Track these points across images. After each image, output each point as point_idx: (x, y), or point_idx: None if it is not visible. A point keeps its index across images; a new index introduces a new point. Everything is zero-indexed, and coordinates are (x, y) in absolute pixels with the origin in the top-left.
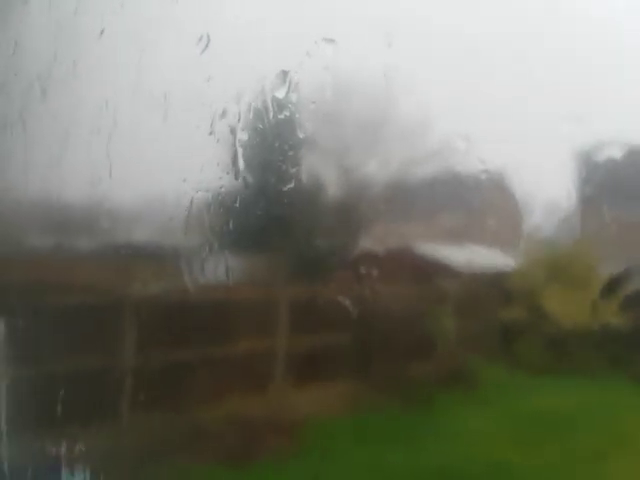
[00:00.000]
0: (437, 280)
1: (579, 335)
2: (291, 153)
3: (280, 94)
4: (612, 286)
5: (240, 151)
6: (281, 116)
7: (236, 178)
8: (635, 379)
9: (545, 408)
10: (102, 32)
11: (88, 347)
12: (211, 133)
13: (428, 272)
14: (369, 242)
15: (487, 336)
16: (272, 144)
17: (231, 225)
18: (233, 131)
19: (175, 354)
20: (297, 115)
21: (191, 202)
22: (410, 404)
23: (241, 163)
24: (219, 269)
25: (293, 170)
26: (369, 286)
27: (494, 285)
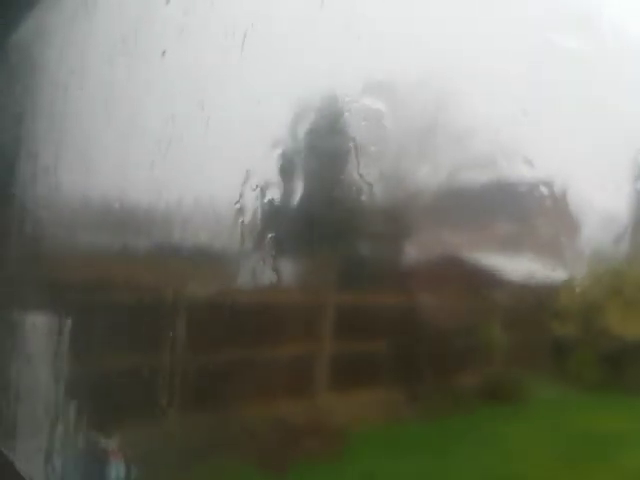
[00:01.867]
0: (487, 290)
1: (635, 354)
2: (340, 159)
3: (330, 101)
4: None
5: (290, 157)
6: (334, 123)
7: (286, 183)
8: None
9: (596, 427)
10: (164, 53)
11: (139, 346)
12: (262, 139)
13: (478, 282)
14: (418, 250)
15: (538, 350)
16: (322, 150)
17: (280, 229)
18: (284, 137)
19: (221, 355)
20: (347, 122)
21: (242, 206)
22: (454, 417)
23: (291, 168)
24: (267, 272)
25: (342, 176)
26: (417, 294)
27: (547, 298)
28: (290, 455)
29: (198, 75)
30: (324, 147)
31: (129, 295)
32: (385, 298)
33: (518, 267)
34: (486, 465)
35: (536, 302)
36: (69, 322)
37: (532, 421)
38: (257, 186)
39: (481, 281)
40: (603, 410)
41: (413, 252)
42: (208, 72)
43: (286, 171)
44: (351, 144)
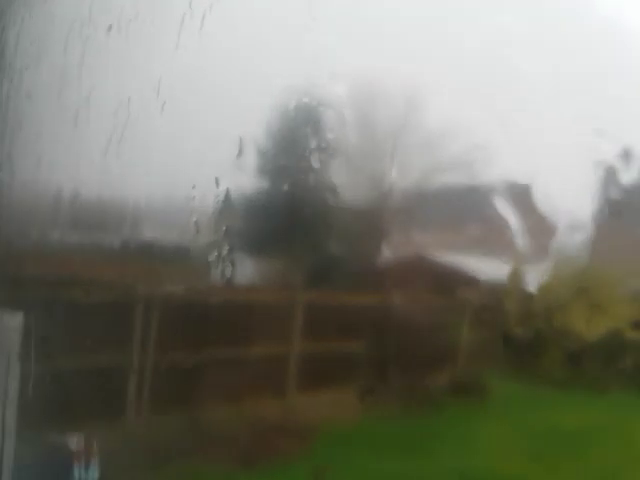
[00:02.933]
0: (456, 290)
1: (599, 352)
2: (311, 158)
3: (304, 99)
4: None
5: (261, 154)
6: (303, 121)
7: (257, 181)
8: None
9: (561, 424)
10: (119, 33)
11: (104, 344)
12: (232, 135)
13: (447, 282)
14: (388, 249)
15: (505, 349)
16: (293, 148)
17: (250, 227)
18: (255, 134)
19: (190, 355)
20: (319, 120)
21: (211, 204)
22: (423, 414)
23: (262, 166)
24: (236, 271)
25: (313, 175)
26: (387, 294)
27: (514, 297)
28: (261, 454)
29: (154, 58)
30: (295, 145)
31: (94, 293)
32: (355, 297)
33: (486, 268)
34: (457, 462)
35: (504, 302)
36: (27, 320)
37: (501, 418)
38: (226, 182)
39: (450, 281)
40: (568, 407)
41: (383, 252)
42: (164, 55)
43: (257, 169)
44: (323, 143)
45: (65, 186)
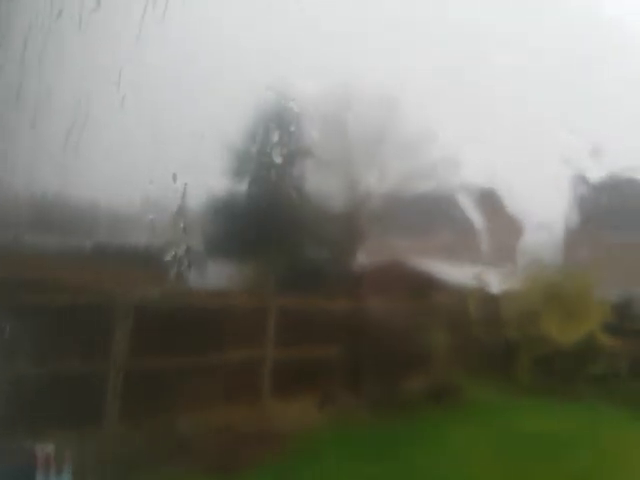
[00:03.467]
0: (430, 295)
1: (571, 358)
2: (289, 162)
3: (281, 104)
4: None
5: (238, 159)
6: (281, 125)
7: (234, 185)
8: (621, 403)
9: (532, 428)
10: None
11: (75, 349)
12: (208, 140)
13: (421, 287)
14: (363, 254)
15: (479, 354)
16: (270, 153)
17: (225, 232)
18: (231, 139)
19: (163, 360)
20: (298, 125)
21: (186, 209)
22: (397, 418)
23: (239, 171)
24: (210, 276)
25: (290, 180)
26: (361, 298)
27: (488, 303)
28: (236, 460)
29: (115, 51)
30: (272, 149)
31: (63, 297)
32: (329, 302)
33: (460, 273)
34: (431, 466)
35: (477, 307)
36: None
37: (474, 423)
38: (202, 187)
39: (424, 286)
40: (540, 412)
41: (358, 256)
42: (126, 48)
43: (233, 173)
44: (301, 147)
45: (25, 186)
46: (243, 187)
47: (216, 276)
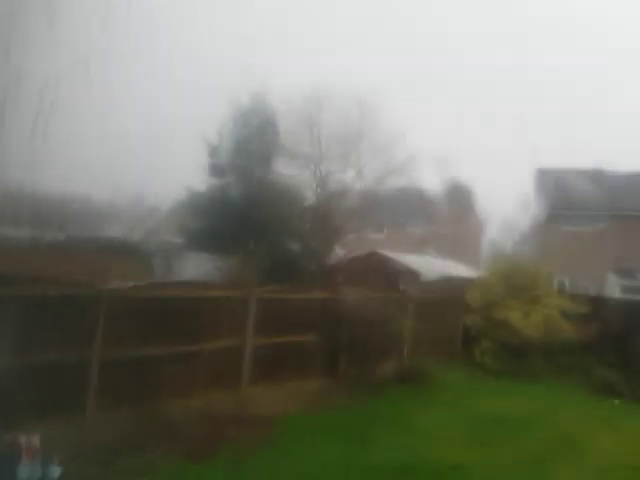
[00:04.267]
0: (401, 285)
1: (534, 344)
2: (266, 159)
3: (261, 102)
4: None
5: (218, 155)
6: (260, 123)
7: (213, 181)
8: (584, 386)
9: (498, 411)
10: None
11: (58, 339)
12: (189, 136)
13: (393, 277)
14: (338, 246)
15: (447, 340)
16: (250, 150)
17: (205, 225)
18: (212, 135)
19: (145, 349)
20: (276, 123)
21: (167, 202)
22: (368, 401)
23: (219, 167)
24: (191, 267)
25: (269, 176)
26: (337, 288)
27: (454, 292)
28: (217, 445)
29: (84, 34)
30: (252, 147)
31: (46, 288)
32: (307, 293)
33: (430, 264)
34: (403, 447)
35: (445, 296)
36: None
37: (441, 405)
38: (182, 181)
39: (396, 276)
40: (505, 395)
41: (333, 249)
42: (94, 36)
43: (213, 169)
44: (279, 145)
45: (24, 183)
46: (221, 182)
47: (197, 268)
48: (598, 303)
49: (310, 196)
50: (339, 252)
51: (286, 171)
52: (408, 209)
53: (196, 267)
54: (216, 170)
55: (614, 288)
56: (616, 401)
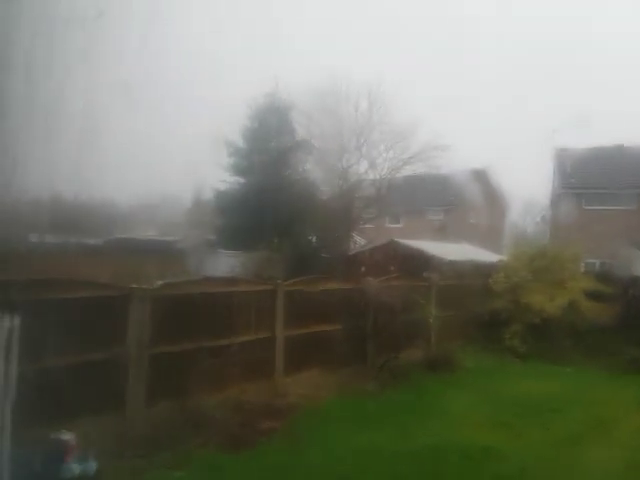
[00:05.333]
0: (424, 273)
1: (560, 326)
2: (286, 156)
3: (279, 101)
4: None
5: (238, 155)
6: (277, 120)
7: (234, 179)
8: (612, 366)
9: (526, 393)
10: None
11: (95, 339)
12: (210, 136)
13: (416, 265)
14: (360, 237)
15: (471, 324)
16: (269, 147)
17: (230, 223)
18: (231, 136)
19: (180, 345)
20: (292, 119)
21: (194, 203)
22: (399, 388)
23: (240, 166)
24: (220, 265)
25: (287, 172)
26: (360, 278)
27: (477, 277)
28: (252, 435)
29: (120, 58)
30: (271, 144)
31: (82, 291)
32: (332, 283)
33: (452, 251)
34: (432, 432)
35: (468, 281)
36: (19, 321)
37: (471, 389)
38: (207, 181)
39: (419, 264)
40: (533, 378)
41: (356, 240)
42: (129, 54)
43: (235, 167)
44: (297, 140)
45: (43, 188)
46: (245, 181)
47: (226, 265)
48: (626, 282)
49: (329, 189)
50: (360, 242)
51: (304, 166)
52: (427, 196)
53: (224, 264)
54: (238, 169)
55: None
56: None
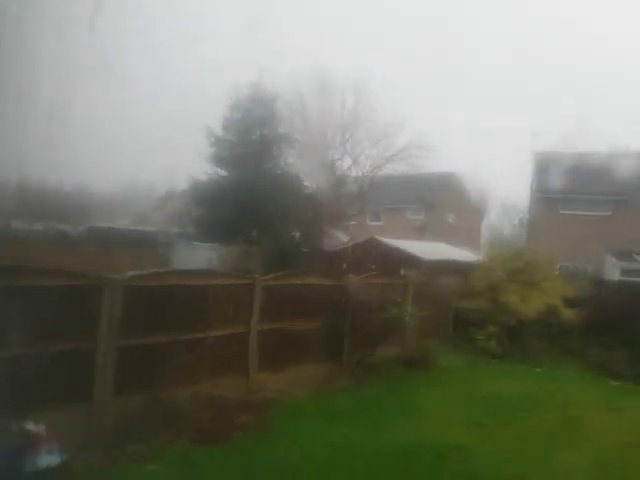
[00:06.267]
0: (401, 271)
1: (533, 327)
2: (267, 148)
3: (262, 92)
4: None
5: (218, 145)
6: (260, 112)
7: (215, 170)
8: (584, 369)
9: (499, 393)
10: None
11: (68, 329)
12: (192, 127)
13: (395, 263)
14: (340, 234)
15: (447, 323)
16: (251, 140)
17: (208, 215)
18: (212, 126)
19: (152, 337)
20: (276, 112)
21: (171, 193)
22: (375, 386)
23: (220, 157)
24: (196, 257)
25: (270, 164)
26: (339, 275)
27: (454, 277)
28: (224, 429)
29: (96, 38)
30: (253, 136)
31: (54, 279)
32: (312, 279)
33: (430, 250)
34: (407, 431)
35: (444, 281)
36: None
37: (445, 388)
38: (186, 172)
39: (396, 262)
40: (505, 378)
41: (335, 236)
42: (106, 36)
43: (215, 159)
44: (280, 133)
45: (13, 174)
46: (225, 173)
47: (202, 257)
48: (598, 285)
49: (310, 184)
50: (340, 239)
51: (287, 160)
52: (407, 195)
53: (201, 256)
54: (218, 160)
55: (614, 271)
56: (616, 383)
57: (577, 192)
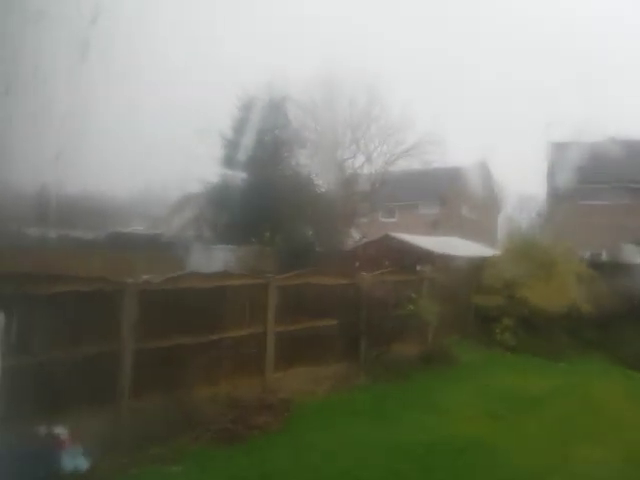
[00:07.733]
0: (418, 267)
1: (554, 320)
2: (281, 149)
3: (273, 93)
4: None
5: (232, 148)
6: (272, 113)
7: (227, 173)
8: (605, 361)
9: (517, 386)
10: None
11: (88, 334)
12: (206, 130)
13: (410, 260)
14: (355, 232)
15: (465, 318)
16: (263, 141)
17: (222, 217)
18: (225, 129)
19: (172, 340)
20: (288, 113)
21: (186, 197)
22: (393, 384)
23: (233, 159)
24: (211, 259)
25: (281, 165)
26: (353, 273)
27: (470, 272)
28: (243, 431)
29: (105, 43)
30: (266, 137)
31: (74, 285)
32: (326, 278)
33: (446, 245)
34: (426, 426)
35: (461, 276)
36: (10, 315)
37: (464, 383)
38: (201, 175)
39: (413, 259)
40: (522, 371)
41: (350, 234)
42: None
43: (229, 161)
44: (293, 134)
45: (30, 182)
46: (238, 175)
47: (217, 259)
48: (620, 274)
49: (323, 183)
50: (354, 237)
51: (298, 160)
52: (421, 191)
53: (216, 258)
54: (230, 162)
55: (635, 259)
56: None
57: (594, 182)
